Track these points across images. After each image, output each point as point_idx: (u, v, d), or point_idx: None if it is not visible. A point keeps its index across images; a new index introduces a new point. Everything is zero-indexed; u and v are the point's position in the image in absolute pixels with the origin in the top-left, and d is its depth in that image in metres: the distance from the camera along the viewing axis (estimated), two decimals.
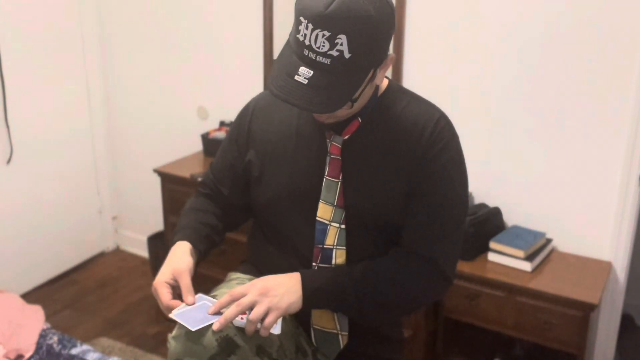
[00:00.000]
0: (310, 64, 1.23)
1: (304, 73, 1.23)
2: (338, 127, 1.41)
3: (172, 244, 1.49)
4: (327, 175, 1.42)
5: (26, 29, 3.07)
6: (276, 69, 1.27)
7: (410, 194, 1.39)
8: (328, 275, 1.39)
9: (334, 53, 1.20)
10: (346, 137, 1.41)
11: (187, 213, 1.58)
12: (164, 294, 1.36)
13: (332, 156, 1.42)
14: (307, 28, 1.21)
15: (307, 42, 1.22)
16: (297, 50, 1.25)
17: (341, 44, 1.20)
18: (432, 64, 2.60)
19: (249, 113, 1.55)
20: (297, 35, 1.24)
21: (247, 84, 3.05)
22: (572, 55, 2.33)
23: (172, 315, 1.30)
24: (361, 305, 1.39)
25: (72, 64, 3.34)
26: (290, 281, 1.35)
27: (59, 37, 3.25)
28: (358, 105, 1.35)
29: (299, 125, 1.46)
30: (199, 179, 2.75)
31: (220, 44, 3.11)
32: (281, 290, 1.32)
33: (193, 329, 1.26)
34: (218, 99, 3.19)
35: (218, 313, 1.29)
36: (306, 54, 1.23)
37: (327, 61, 1.21)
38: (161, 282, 1.38)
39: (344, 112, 1.34)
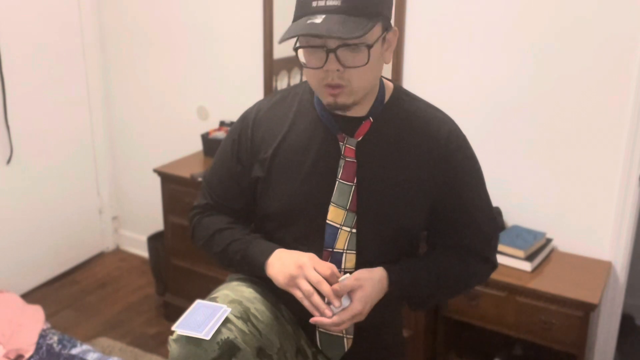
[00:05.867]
0: (321, 11, 1.23)
1: (317, 18, 1.23)
2: (350, 129, 1.39)
3: (254, 260, 1.44)
4: (340, 179, 1.39)
5: (26, 28, 3.07)
6: (284, 32, 1.26)
7: (439, 195, 1.41)
8: (408, 290, 1.42)
9: None
10: (359, 139, 1.39)
11: (222, 233, 1.51)
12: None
13: (346, 159, 1.39)
14: None
15: None
16: (304, 11, 1.26)
17: None
18: (432, 67, 2.60)
19: (248, 126, 1.48)
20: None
21: (247, 84, 3.05)
22: (571, 55, 2.33)
23: (178, 331, 1.29)
24: (426, 300, 1.47)
25: (72, 64, 3.34)
26: (380, 294, 1.37)
27: (59, 37, 3.25)
28: (371, 75, 1.31)
29: (307, 130, 1.42)
30: (199, 179, 2.75)
31: (220, 44, 3.11)
32: (370, 305, 1.35)
33: (208, 337, 1.25)
34: (218, 99, 3.18)
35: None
36: (315, 5, 1.24)
37: (337, 2, 1.23)
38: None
39: (360, 81, 1.30)
